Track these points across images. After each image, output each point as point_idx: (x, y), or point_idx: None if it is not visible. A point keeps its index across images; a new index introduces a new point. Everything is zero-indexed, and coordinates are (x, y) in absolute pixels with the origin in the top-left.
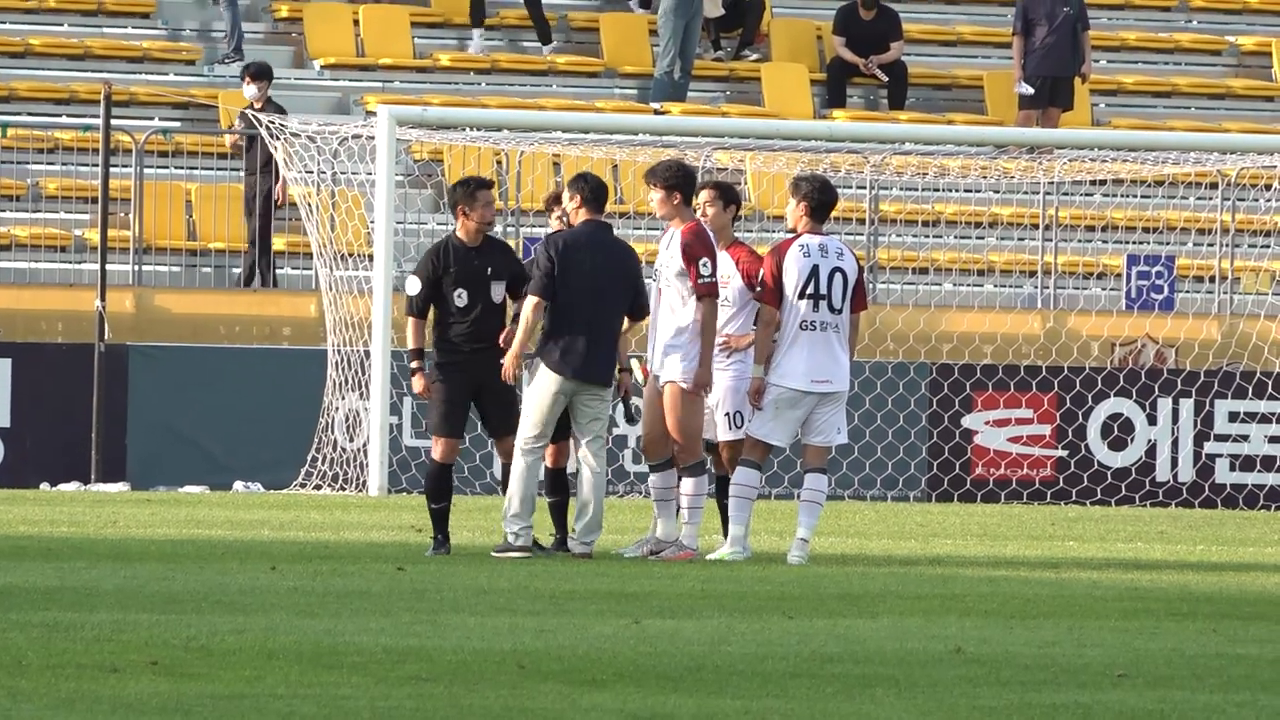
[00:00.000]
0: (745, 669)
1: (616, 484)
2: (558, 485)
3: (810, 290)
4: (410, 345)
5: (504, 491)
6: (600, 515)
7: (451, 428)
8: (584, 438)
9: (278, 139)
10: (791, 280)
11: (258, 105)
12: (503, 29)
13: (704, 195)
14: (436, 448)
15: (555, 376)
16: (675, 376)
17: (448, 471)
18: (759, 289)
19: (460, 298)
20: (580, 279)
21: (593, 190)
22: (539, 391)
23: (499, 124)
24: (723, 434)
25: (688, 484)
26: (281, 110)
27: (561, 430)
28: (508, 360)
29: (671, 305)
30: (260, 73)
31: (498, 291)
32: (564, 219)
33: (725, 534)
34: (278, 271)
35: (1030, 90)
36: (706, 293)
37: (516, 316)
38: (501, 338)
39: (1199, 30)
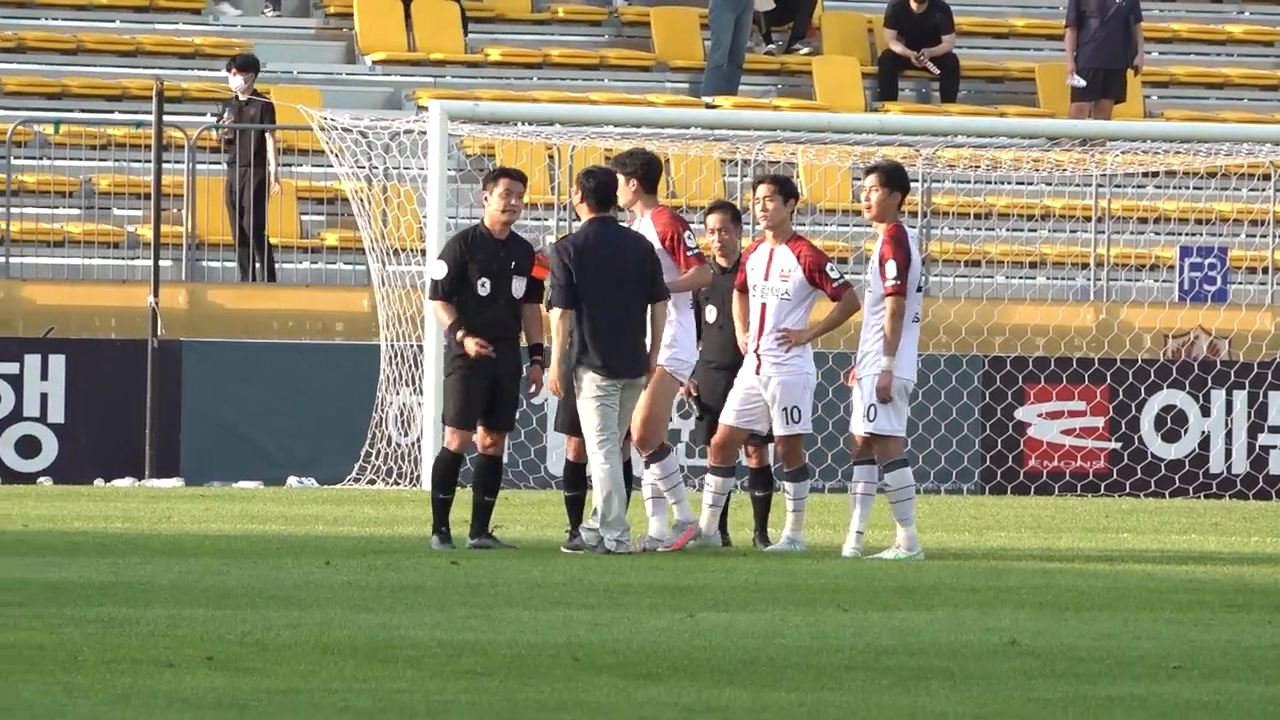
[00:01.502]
0: (800, 662)
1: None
2: (576, 480)
3: (921, 283)
4: (447, 321)
5: (474, 485)
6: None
7: (467, 420)
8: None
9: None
10: (915, 271)
11: (243, 97)
12: (555, 22)
13: (762, 190)
14: (450, 438)
15: (598, 379)
16: (660, 361)
17: (458, 463)
18: (893, 280)
19: (483, 287)
20: (599, 279)
21: (597, 188)
22: (587, 398)
23: (550, 118)
24: (779, 429)
25: (655, 469)
26: (269, 104)
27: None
28: (550, 377)
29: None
30: (247, 64)
31: (519, 286)
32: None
33: (757, 529)
34: (328, 266)
35: (1082, 82)
36: (698, 262)
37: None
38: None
39: (1250, 21)
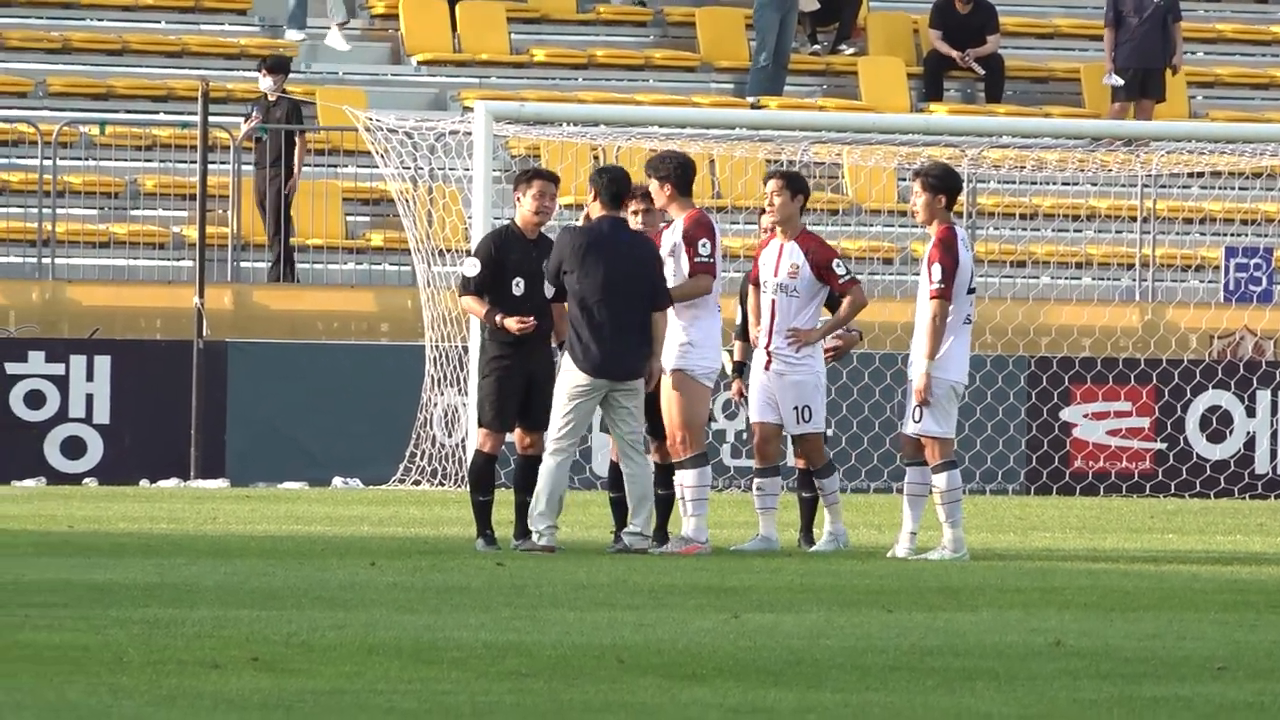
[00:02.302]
0: (844, 662)
1: (716, 478)
2: (619, 481)
3: (972, 284)
4: (481, 310)
5: (516, 486)
6: (652, 509)
7: (502, 421)
8: (622, 436)
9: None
10: (965, 274)
11: (273, 98)
12: (600, 23)
13: (771, 185)
14: (484, 440)
15: (579, 374)
16: (682, 365)
17: (493, 464)
18: (938, 284)
19: (518, 286)
20: (596, 276)
21: (609, 185)
22: (565, 389)
23: (595, 119)
24: (792, 428)
25: (689, 475)
26: (296, 105)
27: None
28: (513, 322)
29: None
30: (277, 65)
31: (550, 287)
32: (639, 214)
33: (802, 530)
34: (373, 267)
35: (1120, 81)
36: (702, 271)
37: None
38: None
39: None
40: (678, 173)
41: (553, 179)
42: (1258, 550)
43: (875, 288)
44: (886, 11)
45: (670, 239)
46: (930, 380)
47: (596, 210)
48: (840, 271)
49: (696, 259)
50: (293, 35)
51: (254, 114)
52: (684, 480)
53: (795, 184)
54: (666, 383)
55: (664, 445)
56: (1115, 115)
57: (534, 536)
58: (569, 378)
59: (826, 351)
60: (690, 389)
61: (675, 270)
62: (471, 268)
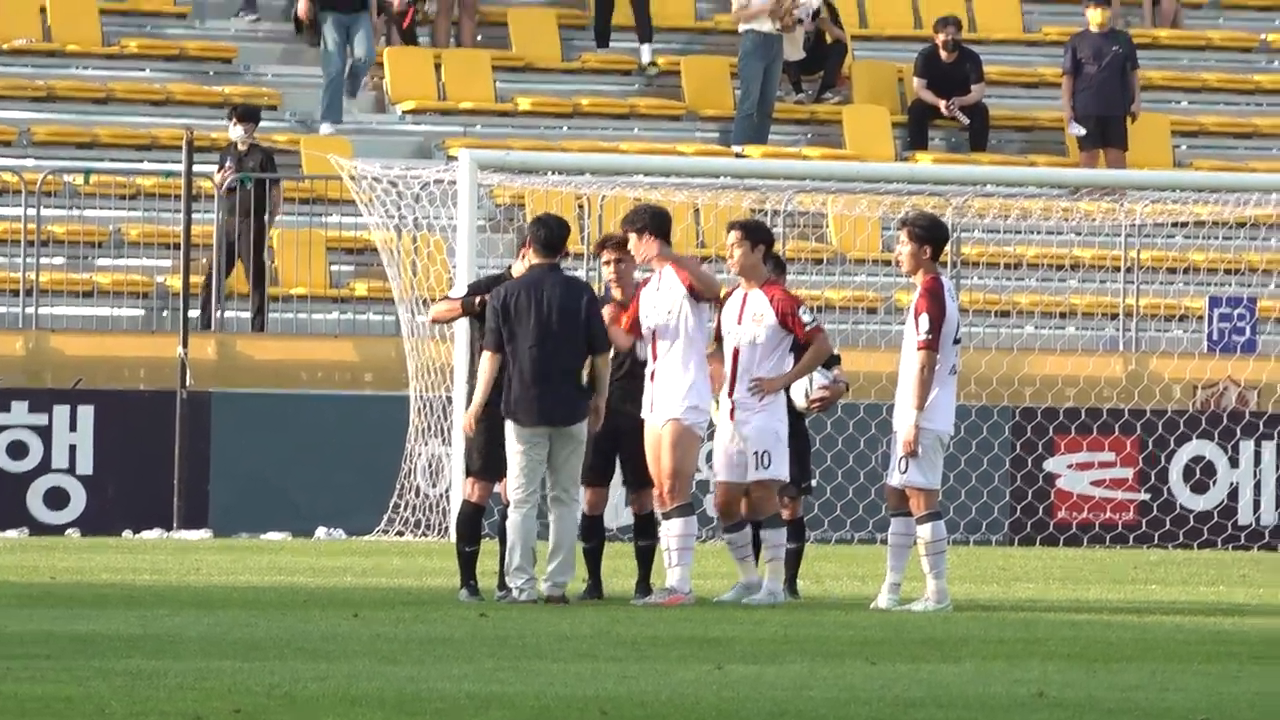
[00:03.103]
0: (828, 714)
1: (701, 529)
2: (593, 531)
3: (958, 335)
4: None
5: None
6: (572, 558)
7: (491, 471)
8: (552, 480)
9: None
10: (951, 324)
11: (243, 147)
12: (585, 72)
13: (731, 236)
14: (472, 489)
15: (519, 427)
16: (676, 414)
17: (480, 514)
18: (925, 335)
19: None
20: (525, 324)
21: (547, 235)
22: (510, 444)
23: (580, 168)
24: (750, 473)
25: (676, 525)
26: (269, 155)
27: (600, 476)
28: (466, 418)
29: (670, 346)
30: (247, 114)
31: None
32: (613, 265)
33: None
34: (358, 317)
35: (1082, 130)
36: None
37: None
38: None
39: None
40: (655, 222)
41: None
42: (1241, 601)
43: (859, 337)
44: (871, 60)
45: (667, 288)
46: (917, 431)
47: (532, 258)
48: (805, 319)
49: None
50: (326, 130)
51: (228, 164)
52: (670, 530)
53: (755, 234)
54: (656, 431)
55: (644, 495)
56: (1085, 164)
57: (514, 593)
58: (512, 431)
59: (813, 402)
60: (685, 439)
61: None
62: (457, 290)
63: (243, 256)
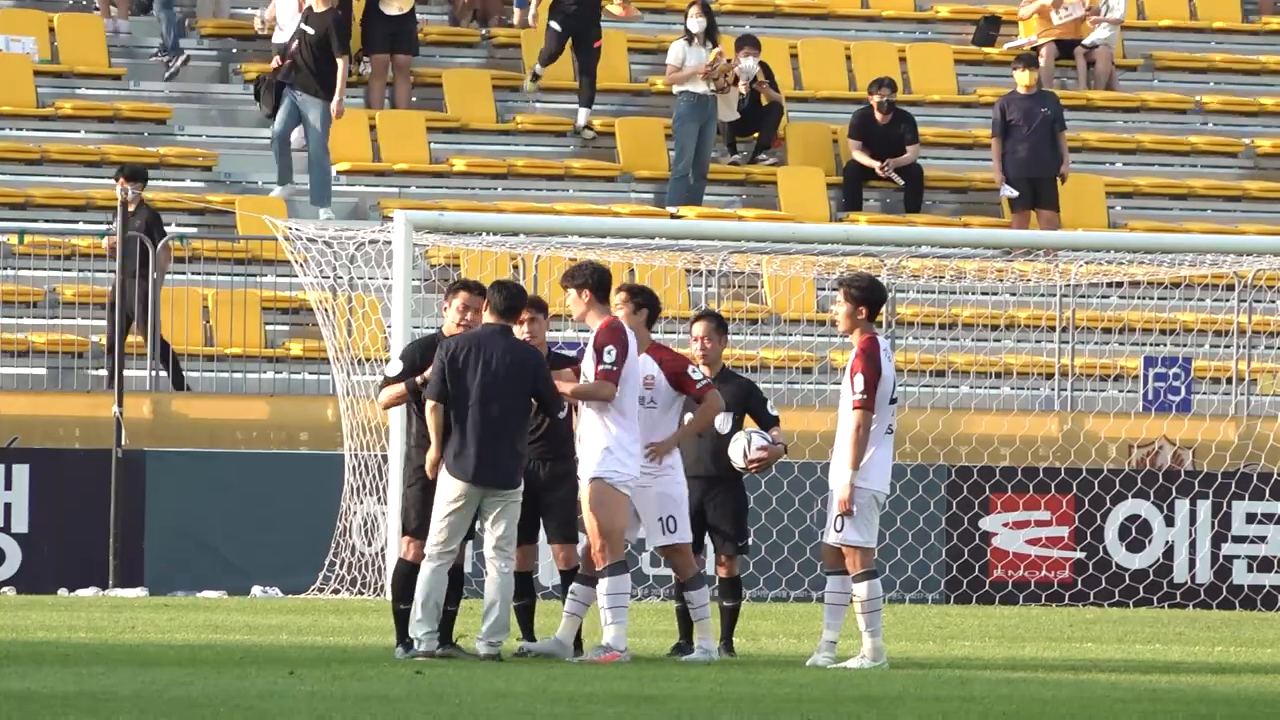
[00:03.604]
0: None
1: (635, 587)
2: (524, 589)
3: (894, 394)
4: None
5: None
6: (506, 617)
7: (427, 529)
8: (489, 540)
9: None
10: (887, 384)
11: (131, 208)
12: (519, 133)
13: (616, 298)
14: (408, 548)
15: (454, 481)
16: (601, 473)
17: (415, 572)
18: (860, 394)
19: None
20: (470, 382)
21: (506, 299)
22: (442, 497)
23: (515, 228)
24: (658, 539)
25: (607, 584)
26: (156, 214)
27: (528, 533)
28: (428, 466)
29: (597, 406)
30: (135, 174)
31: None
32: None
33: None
34: (293, 376)
35: (1014, 193)
36: (604, 377)
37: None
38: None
39: (1215, 133)
40: (594, 279)
41: (479, 290)
42: (1176, 659)
43: (794, 397)
44: (806, 122)
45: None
46: (853, 490)
47: (487, 317)
48: (696, 377)
49: (600, 366)
50: (325, 214)
51: (114, 223)
52: (601, 589)
53: (638, 297)
54: (584, 491)
55: (568, 550)
56: (1018, 226)
57: (415, 643)
58: (445, 485)
59: (751, 463)
60: (608, 497)
61: (588, 374)
62: (394, 367)
63: (135, 316)
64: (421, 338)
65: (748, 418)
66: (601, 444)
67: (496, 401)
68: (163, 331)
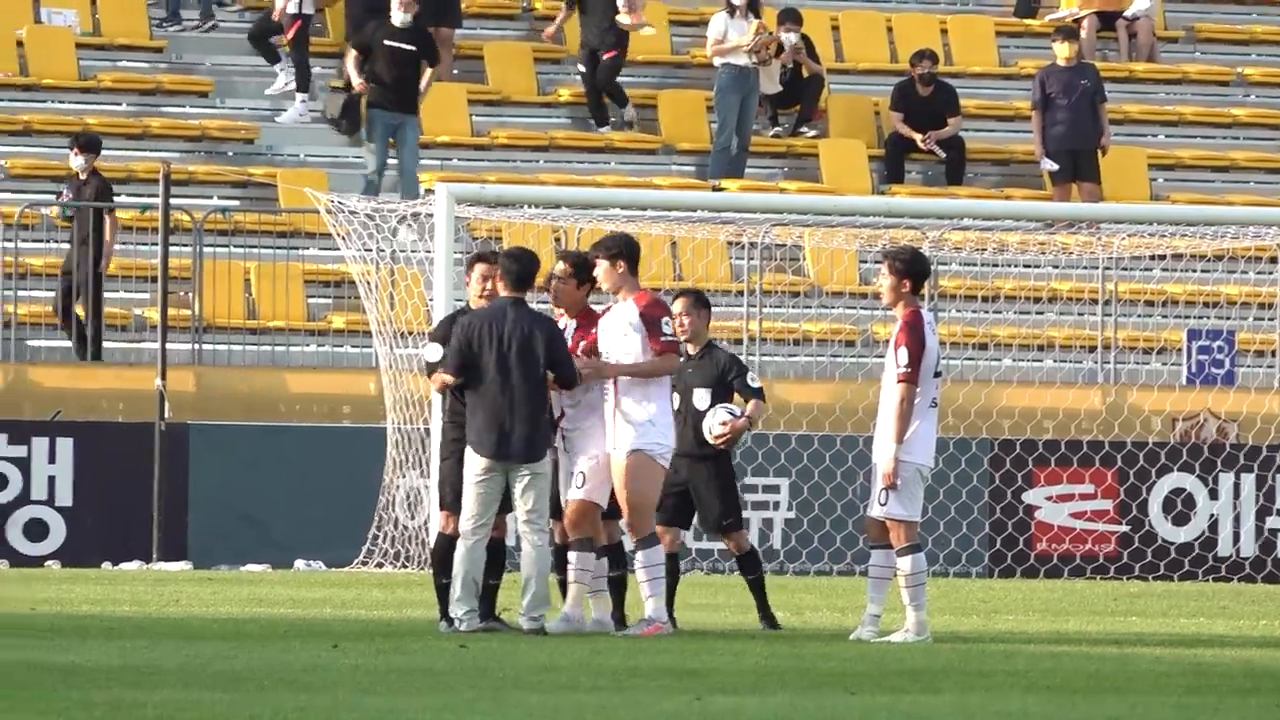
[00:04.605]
0: None
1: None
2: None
3: (938, 367)
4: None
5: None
6: (545, 590)
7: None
8: (520, 514)
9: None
10: (931, 357)
11: (83, 176)
12: (561, 105)
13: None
14: (446, 522)
15: (478, 457)
16: (641, 445)
17: (454, 546)
18: (904, 368)
19: None
20: (487, 356)
21: (518, 270)
22: (468, 474)
23: (557, 201)
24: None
25: (643, 556)
26: (107, 184)
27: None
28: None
29: (631, 380)
30: (89, 144)
31: (440, 364)
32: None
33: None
34: (335, 349)
35: (1054, 165)
36: (670, 350)
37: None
38: None
39: (1257, 105)
40: (628, 250)
41: (493, 259)
42: (1221, 633)
43: (836, 370)
44: (848, 94)
45: (622, 318)
46: (897, 464)
47: (501, 290)
48: (666, 331)
49: (664, 338)
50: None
51: (65, 192)
52: (639, 562)
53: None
54: (621, 463)
55: (610, 525)
56: (1059, 199)
57: (456, 623)
58: (470, 462)
59: (718, 439)
60: (647, 470)
61: (629, 349)
62: (434, 353)
63: (80, 286)
64: (449, 314)
65: (734, 394)
66: (643, 416)
67: (512, 376)
68: (205, 303)
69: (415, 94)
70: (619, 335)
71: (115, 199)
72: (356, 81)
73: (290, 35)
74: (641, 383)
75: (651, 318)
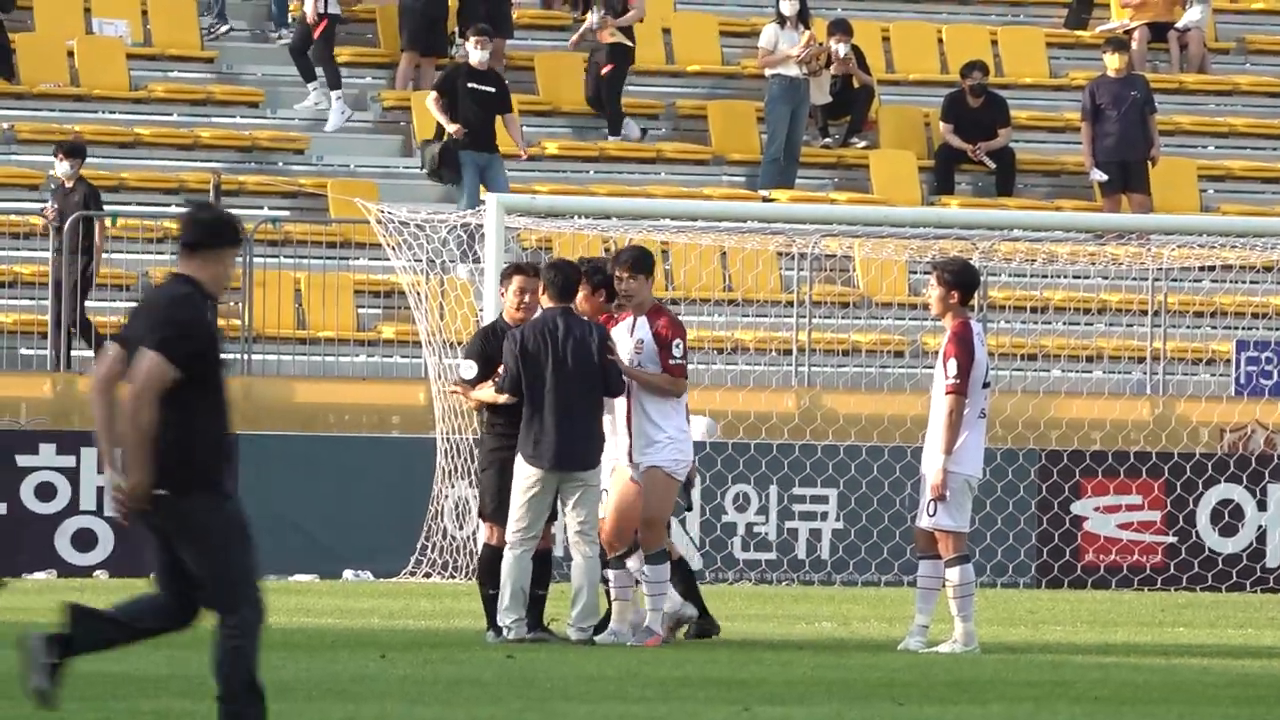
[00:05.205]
0: None
1: (727, 571)
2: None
3: (987, 378)
4: (493, 393)
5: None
6: (595, 601)
7: (505, 513)
8: (572, 524)
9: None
10: (980, 368)
11: (69, 183)
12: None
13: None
14: (490, 533)
15: (530, 468)
16: (659, 462)
17: (500, 556)
18: (953, 379)
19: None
20: (541, 367)
21: (563, 281)
22: (519, 484)
23: (607, 211)
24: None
25: (652, 571)
26: (94, 190)
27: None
28: (491, 395)
29: (649, 392)
30: (74, 150)
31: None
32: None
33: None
34: (384, 360)
35: (1104, 176)
36: (679, 374)
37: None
38: None
39: None
40: (652, 266)
41: (533, 272)
42: (1269, 644)
43: (885, 381)
44: (898, 105)
45: (634, 332)
46: (945, 475)
47: (545, 302)
48: (677, 354)
49: (672, 360)
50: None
51: (51, 202)
52: (648, 576)
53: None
54: (627, 476)
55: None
56: (1108, 210)
57: (505, 631)
58: (522, 472)
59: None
60: (663, 487)
61: (641, 364)
62: (468, 370)
63: (68, 295)
64: (482, 328)
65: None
66: (659, 433)
67: (569, 384)
68: (255, 313)
69: (494, 132)
70: (631, 348)
71: (164, 209)
72: (452, 128)
73: (316, 35)
74: (660, 398)
75: (667, 337)
